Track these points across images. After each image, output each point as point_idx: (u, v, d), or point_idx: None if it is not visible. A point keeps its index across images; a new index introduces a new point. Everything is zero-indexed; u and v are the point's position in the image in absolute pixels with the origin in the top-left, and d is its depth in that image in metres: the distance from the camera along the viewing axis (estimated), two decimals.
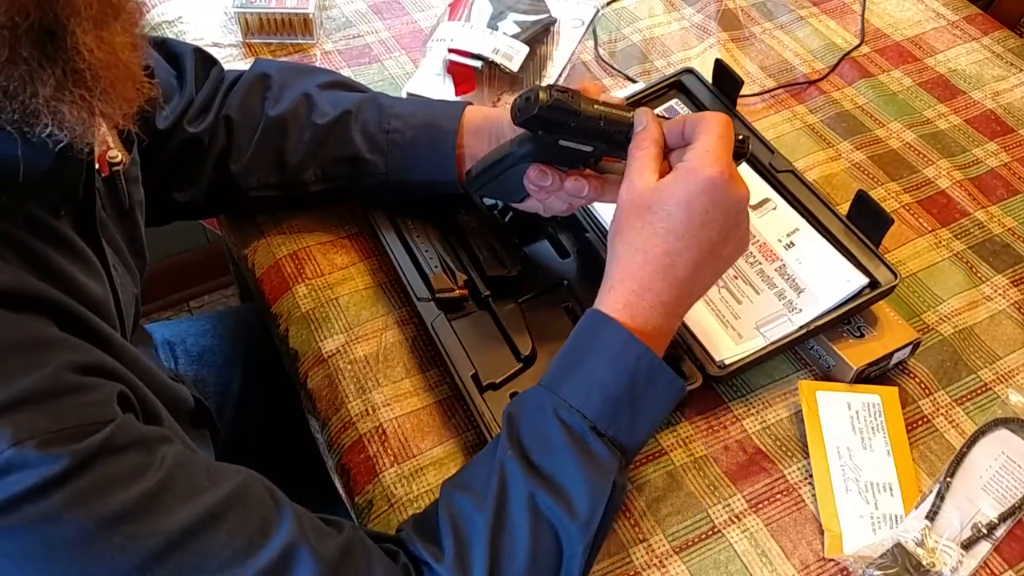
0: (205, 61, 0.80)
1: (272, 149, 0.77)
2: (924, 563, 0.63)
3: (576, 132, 0.64)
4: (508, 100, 0.95)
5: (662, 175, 0.61)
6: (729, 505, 0.68)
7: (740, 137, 0.65)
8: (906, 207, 0.88)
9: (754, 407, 0.73)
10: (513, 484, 0.57)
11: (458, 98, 0.93)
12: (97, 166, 0.58)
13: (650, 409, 0.62)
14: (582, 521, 0.56)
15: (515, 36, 0.92)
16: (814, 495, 0.68)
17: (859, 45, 1.04)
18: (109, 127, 0.49)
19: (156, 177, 0.73)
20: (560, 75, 0.98)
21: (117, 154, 0.61)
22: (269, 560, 0.50)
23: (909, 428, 0.72)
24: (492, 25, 0.93)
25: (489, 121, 0.75)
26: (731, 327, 0.73)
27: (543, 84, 0.63)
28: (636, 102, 0.86)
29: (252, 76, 0.79)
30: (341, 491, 0.73)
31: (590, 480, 0.57)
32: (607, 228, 0.78)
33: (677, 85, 0.88)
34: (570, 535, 0.56)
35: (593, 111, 0.64)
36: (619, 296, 0.61)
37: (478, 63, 0.90)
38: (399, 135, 0.75)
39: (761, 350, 0.71)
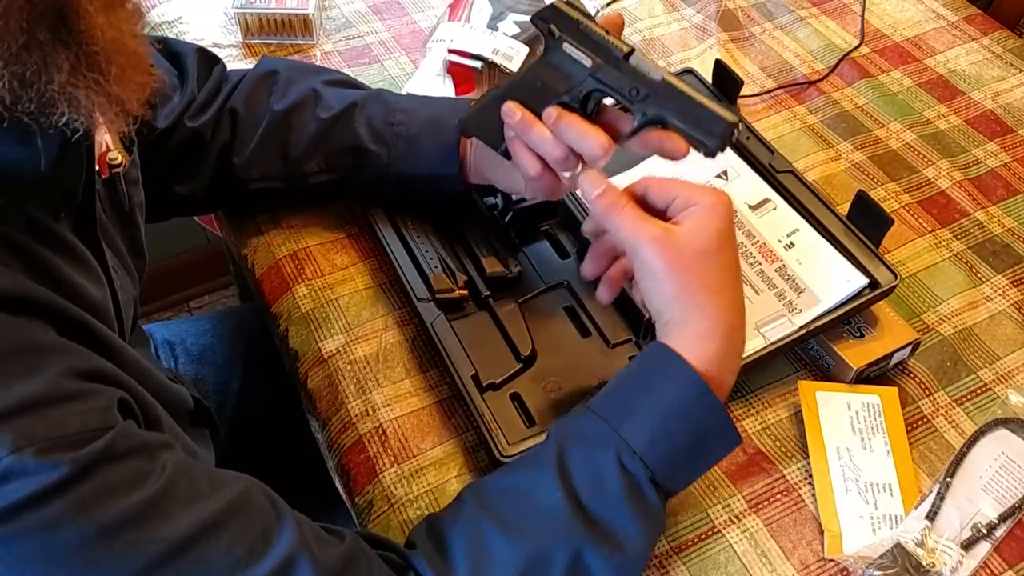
0: (208, 60, 0.80)
1: (277, 142, 0.77)
2: (924, 563, 0.63)
3: (583, 36, 0.63)
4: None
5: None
6: (729, 505, 0.68)
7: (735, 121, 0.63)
8: (906, 207, 0.88)
9: (754, 407, 0.73)
10: (561, 528, 0.55)
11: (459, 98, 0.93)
12: (97, 168, 0.58)
13: (705, 462, 0.61)
14: (624, 571, 0.56)
15: (515, 36, 0.92)
16: (814, 495, 0.68)
17: (859, 45, 1.04)
18: (123, 115, 0.48)
19: (157, 174, 0.73)
20: None
21: (117, 156, 0.61)
22: (270, 569, 0.49)
23: (909, 428, 0.72)
24: (492, 25, 0.93)
25: None
26: None
27: None
28: None
29: (259, 72, 0.79)
30: (341, 491, 0.73)
31: (642, 530, 0.56)
32: None
33: None
34: None
35: (600, 27, 0.64)
36: (694, 353, 0.58)
37: (478, 63, 0.91)
38: (403, 128, 0.75)
39: (761, 351, 0.71)
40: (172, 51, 0.78)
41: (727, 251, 0.59)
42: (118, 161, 0.61)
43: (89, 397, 0.47)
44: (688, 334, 0.58)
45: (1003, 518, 0.66)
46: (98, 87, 0.45)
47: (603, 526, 0.56)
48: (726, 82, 0.84)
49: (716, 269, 0.58)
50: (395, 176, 0.77)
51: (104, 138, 0.59)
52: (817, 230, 0.76)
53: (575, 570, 0.55)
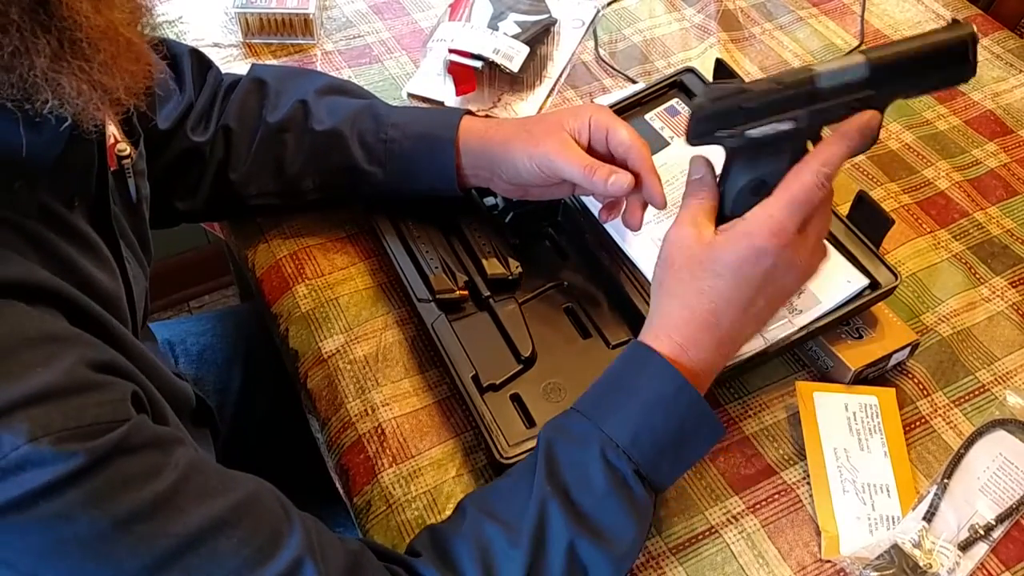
0: (201, 64, 0.80)
1: (271, 158, 0.77)
2: (921, 564, 0.63)
3: (759, 108, 0.57)
4: (508, 100, 0.95)
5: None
6: (726, 506, 0.68)
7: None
8: (905, 208, 0.88)
9: (752, 408, 0.73)
10: (553, 525, 0.57)
11: (458, 98, 0.93)
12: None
13: (691, 455, 0.62)
14: (616, 563, 0.57)
15: (515, 36, 0.92)
16: (811, 496, 0.68)
17: (859, 46, 1.04)
18: (112, 102, 0.48)
19: (158, 182, 0.73)
20: (560, 76, 0.98)
21: (125, 148, 0.61)
22: (276, 572, 0.49)
23: (907, 429, 0.72)
24: (492, 25, 0.94)
25: (488, 126, 0.75)
26: None
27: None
28: (636, 102, 0.86)
29: (248, 83, 0.79)
30: (340, 491, 0.74)
31: (632, 523, 0.58)
32: (607, 231, 0.78)
33: (678, 84, 0.88)
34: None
35: (762, 86, 0.57)
36: (665, 346, 0.60)
37: (478, 63, 0.91)
38: (396, 145, 0.75)
39: (761, 352, 0.71)
40: (169, 52, 0.78)
41: (725, 279, 0.58)
42: (126, 153, 0.61)
43: (104, 389, 0.47)
44: (669, 329, 0.60)
45: (1000, 519, 0.66)
46: (83, 74, 0.44)
47: (593, 521, 0.57)
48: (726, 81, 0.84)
49: (693, 285, 0.59)
50: (393, 191, 0.77)
51: (112, 130, 0.59)
52: None
53: (571, 564, 0.56)
